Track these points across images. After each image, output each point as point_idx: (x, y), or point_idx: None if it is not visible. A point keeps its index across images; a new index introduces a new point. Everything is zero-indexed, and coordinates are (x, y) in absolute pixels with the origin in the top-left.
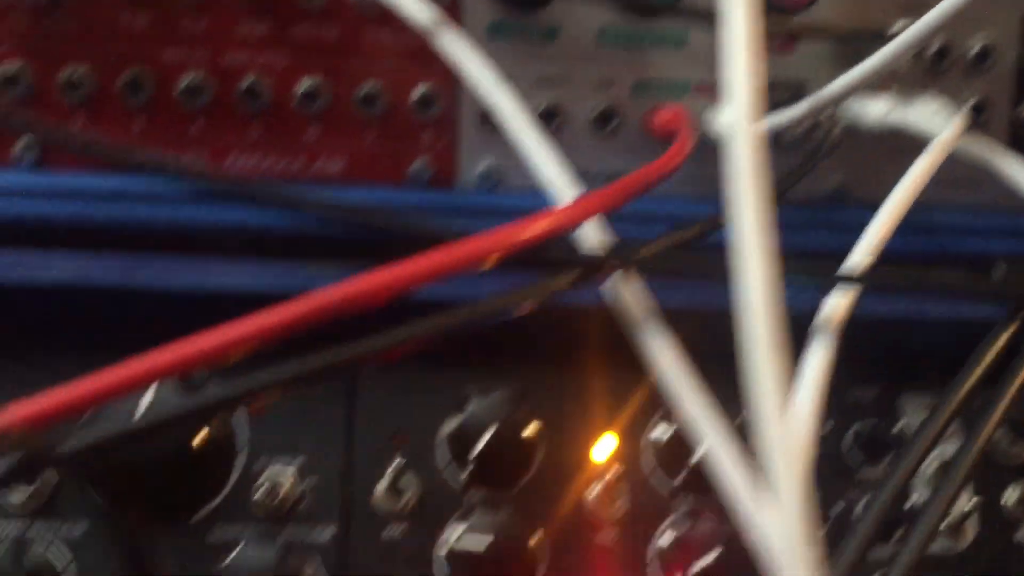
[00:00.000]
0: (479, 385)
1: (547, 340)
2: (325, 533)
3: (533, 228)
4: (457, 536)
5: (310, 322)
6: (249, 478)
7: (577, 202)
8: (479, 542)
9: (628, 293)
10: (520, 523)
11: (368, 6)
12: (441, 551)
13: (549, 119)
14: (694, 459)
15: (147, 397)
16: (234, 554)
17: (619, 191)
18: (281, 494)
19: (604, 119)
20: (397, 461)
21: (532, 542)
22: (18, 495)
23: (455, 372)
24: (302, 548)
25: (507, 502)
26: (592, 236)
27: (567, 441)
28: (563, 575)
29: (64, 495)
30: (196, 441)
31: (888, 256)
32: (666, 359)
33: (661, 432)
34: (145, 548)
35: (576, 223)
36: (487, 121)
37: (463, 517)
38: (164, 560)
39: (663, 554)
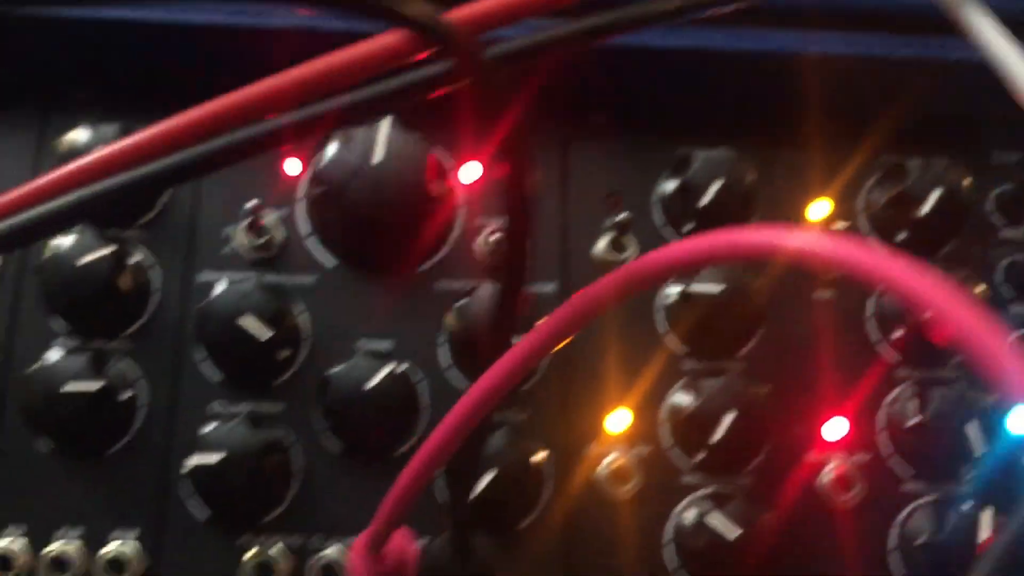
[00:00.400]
0: (696, 146)
1: (761, 100)
2: (548, 288)
3: None
4: (686, 285)
5: None
6: (468, 233)
7: None
8: (710, 288)
9: None
10: (744, 279)
11: None
12: (666, 300)
13: None
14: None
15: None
16: (460, 304)
17: None
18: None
19: None
20: (613, 220)
21: (755, 292)
22: (249, 239)
23: (667, 135)
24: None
25: None
26: None
27: (783, 204)
28: (784, 325)
29: (293, 248)
30: (433, 187)
31: None
32: (989, 30)
33: (879, 194)
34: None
35: None
36: None
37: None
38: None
39: (879, 316)
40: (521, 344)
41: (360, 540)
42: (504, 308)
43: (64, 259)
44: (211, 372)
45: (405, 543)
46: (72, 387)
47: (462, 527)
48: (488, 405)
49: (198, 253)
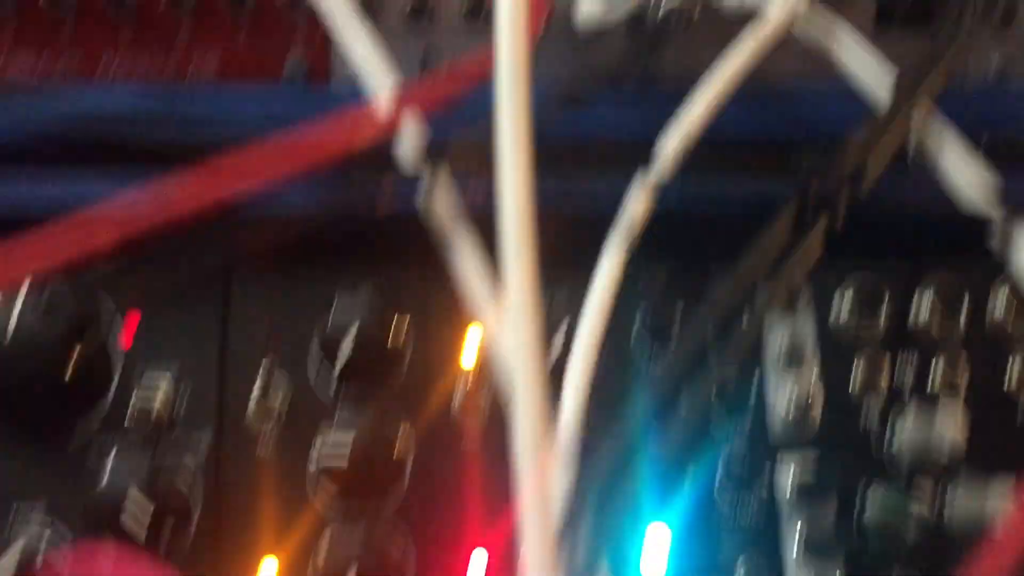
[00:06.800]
0: (346, 285)
1: (409, 243)
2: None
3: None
4: (324, 439)
5: None
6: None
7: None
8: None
9: None
10: (387, 424)
11: None
12: (313, 458)
13: (419, 13)
14: None
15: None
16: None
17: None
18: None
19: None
20: (270, 364)
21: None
22: None
23: (325, 273)
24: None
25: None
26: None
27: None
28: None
29: None
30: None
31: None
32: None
33: None
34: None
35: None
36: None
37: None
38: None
39: None
40: None
41: None
42: None
43: None
44: None
45: None
46: None
47: None
48: None
49: None
